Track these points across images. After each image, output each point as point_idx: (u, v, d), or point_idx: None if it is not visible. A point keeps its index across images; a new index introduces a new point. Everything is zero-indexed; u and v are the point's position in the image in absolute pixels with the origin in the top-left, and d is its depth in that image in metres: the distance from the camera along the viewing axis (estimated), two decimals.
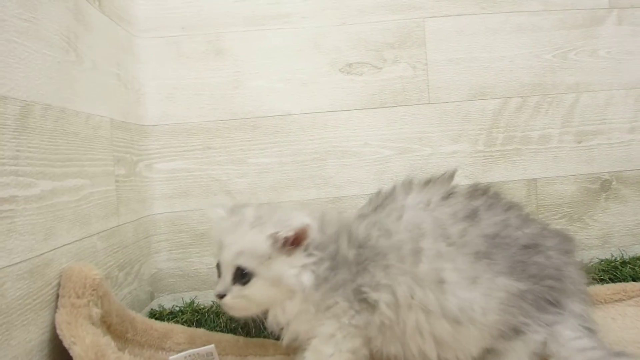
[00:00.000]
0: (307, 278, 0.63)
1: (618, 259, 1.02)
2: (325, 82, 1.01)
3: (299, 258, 0.64)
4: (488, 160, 1.05)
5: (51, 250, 0.59)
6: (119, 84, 0.86)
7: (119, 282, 0.79)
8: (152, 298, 0.95)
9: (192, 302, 0.93)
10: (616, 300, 0.89)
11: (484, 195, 0.68)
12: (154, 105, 0.99)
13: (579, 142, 1.06)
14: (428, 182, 0.69)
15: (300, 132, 1.01)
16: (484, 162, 1.05)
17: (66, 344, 0.55)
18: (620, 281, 0.95)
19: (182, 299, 0.97)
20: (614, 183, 1.07)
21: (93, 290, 0.61)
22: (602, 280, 0.96)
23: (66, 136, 0.65)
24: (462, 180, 1.03)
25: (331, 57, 1.01)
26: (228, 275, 0.63)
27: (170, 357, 0.72)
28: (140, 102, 0.96)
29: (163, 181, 0.99)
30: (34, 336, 0.55)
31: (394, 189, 0.69)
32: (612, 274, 0.98)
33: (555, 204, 1.06)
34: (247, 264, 0.62)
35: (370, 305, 0.62)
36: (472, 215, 0.63)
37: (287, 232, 0.63)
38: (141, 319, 0.76)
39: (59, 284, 0.60)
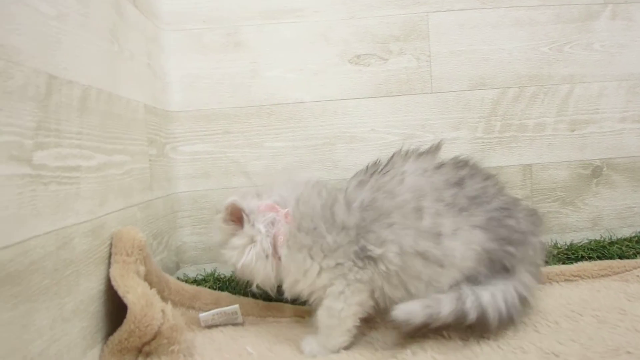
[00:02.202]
0: (244, 256, 0.78)
1: (607, 239, 1.13)
2: (335, 73, 1.13)
3: (243, 235, 0.79)
4: (486, 146, 1.16)
5: (105, 215, 0.71)
6: (150, 73, 0.98)
7: (152, 250, 0.91)
8: (177, 268, 1.07)
9: (214, 273, 1.05)
10: (602, 276, 0.99)
11: (466, 166, 0.81)
12: (178, 93, 1.11)
13: (573, 131, 1.18)
14: (421, 153, 0.82)
15: (311, 119, 1.13)
16: (482, 148, 1.16)
17: (121, 293, 0.67)
18: (607, 259, 1.05)
19: (205, 269, 1.09)
20: (604, 169, 1.19)
21: (140, 250, 0.74)
22: (590, 258, 1.07)
23: (113, 118, 0.77)
24: None
25: (340, 49, 1.13)
26: None
27: (201, 315, 0.85)
28: (165, 90, 1.08)
29: (187, 162, 1.11)
30: (94, 285, 0.67)
31: (392, 157, 0.82)
32: (600, 252, 1.08)
33: (548, 188, 1.18)
34: None
35: (374, 260, 0.73)
36: (460, 182, 0.77)
37: (220, 213, 0.80)
38: (174, 281, 0.88)
39: (110, 244, 0.72)
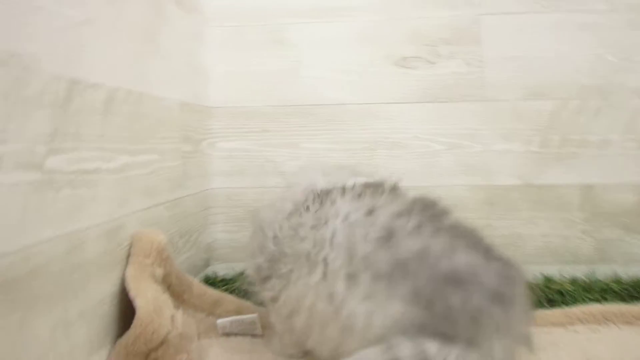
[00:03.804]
0: None
1: None
2: (379, 74, 1.06)
3: None
4: (541, 161, 1.05)
5: (124, 216, 0.70)
6: (189, 70, 0.97)
7: (178, 248, 0.90)
8: (207, 265, 1.06)
9: (243, 272, 1.03)
10: None
11: (419, 214, 0.60)
12: (218, 89, 1.08)
13: None
14: (361, 194, 0.64)
15: (352, 122, 1.07)
16: (536, 163, 1.05)
17: (131, 295, 0.66)
18: None
19: (234, 268, 1.08)
20: None
21: (158, 252, 0.72)
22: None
23: (141, 117, 0.76)
24: (513, 181, 1.05)
25: (386, 50, 1.06)
26: None
27: (218, 321, 0.83)
28: (205, 86, 1.06)
29: (223, 159, 1.09)
30: (106, 287, 0.66)
31: (330, 193, 0.66)
32: None
33: (611, 212, 1.05)
34: None
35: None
36: (388, 237, 0.57)
37: None
38: (197, 284, 0.85)
39: (128, 245, 0.71)
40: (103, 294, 0.65)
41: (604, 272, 1.02)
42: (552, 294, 0.94)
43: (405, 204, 0.62)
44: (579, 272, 1.03)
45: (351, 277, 0.57)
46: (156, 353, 0.66)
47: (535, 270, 1.03)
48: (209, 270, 1.06)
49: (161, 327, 0.66)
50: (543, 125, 1.05)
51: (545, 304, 0.92)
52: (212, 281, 0.99)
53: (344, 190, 0.66)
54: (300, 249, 0.63)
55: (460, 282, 0.54)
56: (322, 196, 0.67)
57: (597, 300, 0.92)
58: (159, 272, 0.73)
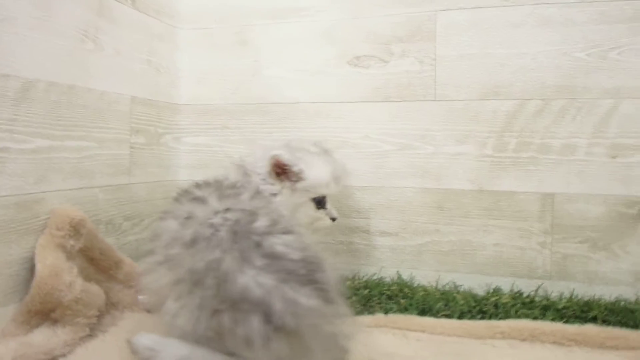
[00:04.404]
0: None
1: None
2: (333, 74, 1.08)
3: None
4: (497, 166, 1.00)
5: (43, 192, 0.81)
6: (149, 68, 1.07)
7: (122, 230, 1.00)
8: None
9: None
10: (609, 347, 0.77)
11: (231, 225, 0.60)
12: (187, 88, 1.18)
13: (614, 157, 0.94)
14: (196, 197, 0.69)
15: (305, 120, 1.10)
16: (491, 168, 1.00)
17: (35, 261, 0.76)
18: (631, 328, 0.81)
19: None
20: None
21: (71, 226, 0.81)
22: (605, 323, 0.83)
23: (72, 107, 0.86)
24: (465, 185, 1.01)
25: (341, 49, 1.08)
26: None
27: (140, 297, 0.91)
28: (174, 85, 1.16)
29: (188, 153, 1.18)
30: (15, 252, 0.76)
31: (194, 189, 0.72)
32: (622, 316, 0.84)
33: (575, 225, 0.96)
34: None
35: None
36: (191, 244, 0.60)
37: None
38: (129, 262, 0.93)
39: (46, 218, 0.81)
40: (11, 257, 0.76)
41: (560, 289, 0.94)
42: (487, 306, 0.89)
43: (234, 212, 0.62)
44: (532, 287, 0.95)
45: (169, 276, 0.61)
46: (55, 314, 0.76)
47: (482, 282, 0.98)
48: None
49: (56, 290, 0.75)
50: (499, 127, 0.99)
51: (475, 315, 0.88)
52: None
53: (199, 188, 0.72)
54: (150, 235, 0.70)
55: (237, 302, 0.53)
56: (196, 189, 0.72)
57: (535, 317, 0.85)
58: (73, 244, 0.82)
